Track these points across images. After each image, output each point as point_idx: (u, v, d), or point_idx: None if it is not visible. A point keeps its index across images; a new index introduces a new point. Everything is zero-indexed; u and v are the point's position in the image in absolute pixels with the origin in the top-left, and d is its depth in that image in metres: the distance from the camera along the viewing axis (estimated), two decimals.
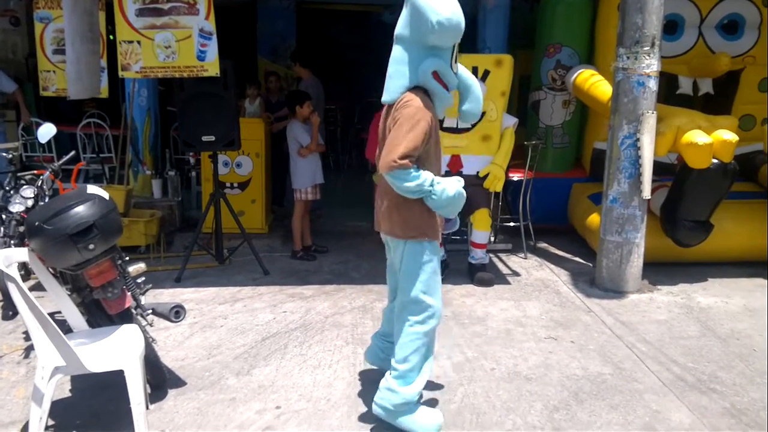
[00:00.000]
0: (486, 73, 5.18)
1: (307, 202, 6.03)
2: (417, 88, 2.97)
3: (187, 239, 6.11)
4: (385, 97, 3.06)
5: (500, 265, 5.94)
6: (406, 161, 2.82)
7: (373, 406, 3.12)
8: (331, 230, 6.97)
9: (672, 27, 6.13)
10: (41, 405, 2.75)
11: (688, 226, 5.24)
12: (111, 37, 5.52)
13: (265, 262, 5.63)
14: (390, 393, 3.04)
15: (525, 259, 6.13)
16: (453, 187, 2.98)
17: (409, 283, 3.07)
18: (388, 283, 3.43)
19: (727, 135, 4.97)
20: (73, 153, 4.75)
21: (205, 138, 5.39)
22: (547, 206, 6.69)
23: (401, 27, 3.01)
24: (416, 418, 3.04)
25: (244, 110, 7.21)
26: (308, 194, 5.98)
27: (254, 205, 6.79)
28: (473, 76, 3.29)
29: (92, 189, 3.05)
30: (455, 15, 2.86)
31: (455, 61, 3.04)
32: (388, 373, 3.13)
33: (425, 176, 2.91)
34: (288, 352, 3.98)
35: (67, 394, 3.46)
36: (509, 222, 6.55)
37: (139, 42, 5.13)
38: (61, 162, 4.49)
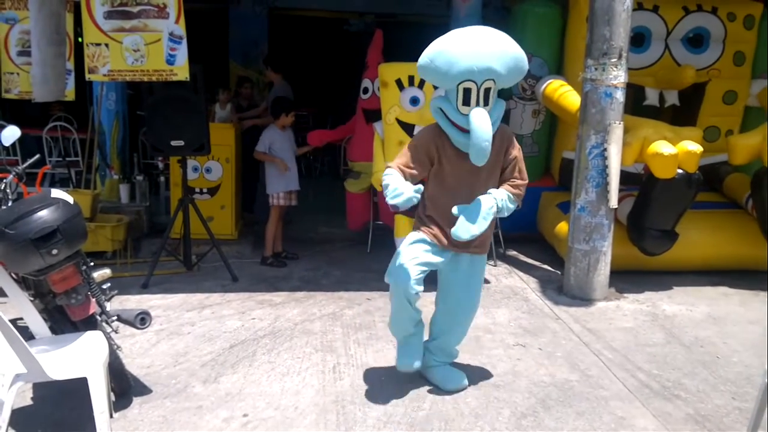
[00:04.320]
0: None
1: (281, 207, 5.99)
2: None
3: (154, 245, 6.04)
4: None
5: None
6: (389, 167, 3.30)
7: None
8: (302, 237, 6.91)
9: (639, 39, 6.22)
10: (1, 413, 2.68)
11: (654, 235, 5.32)
12: (80, 39, 5.44)
13: (235, 269, 5.58)
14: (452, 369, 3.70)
15: (494, 266, 6.17)
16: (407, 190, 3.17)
17: (478, 293, 3.66)
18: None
19: (692, 146, 5.06)
20: (38, 156, 4.65)
21: (174, 143, 5.34)
22: (517, 214, 6.69)
23: None
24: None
25: (214, 115, 7.15)
26: (279, 200, 5.94)
27: (224, 211, 6.72)
28: (478, 124, 3.08)
29: (56, 193, 3.00)
30: (437, 58, 3.06)
31: (462, 104, 3.15)
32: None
33: (391, 177, 3.25)
34: (256, 360, 3.95)
35: (28, 402, 3.38)
36: None
37: (107, 45, 5.05)
38: (25, 165, 4.38)
